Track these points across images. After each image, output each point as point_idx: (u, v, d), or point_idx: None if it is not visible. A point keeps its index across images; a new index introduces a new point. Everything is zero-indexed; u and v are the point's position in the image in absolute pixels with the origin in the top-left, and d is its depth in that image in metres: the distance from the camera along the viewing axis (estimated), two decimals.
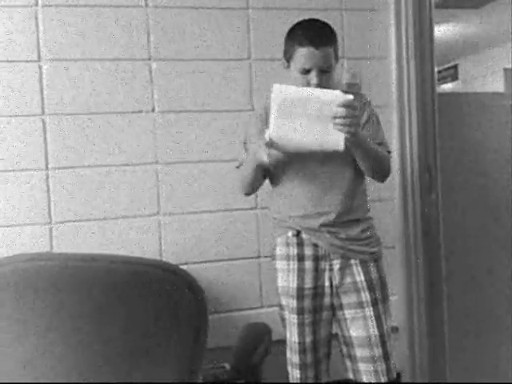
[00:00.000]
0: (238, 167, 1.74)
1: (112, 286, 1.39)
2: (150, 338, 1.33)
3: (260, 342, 1.86)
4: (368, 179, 1.70)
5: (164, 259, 2.01)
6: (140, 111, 2.01)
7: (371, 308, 1.60)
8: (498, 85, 5.94)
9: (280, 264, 1.68)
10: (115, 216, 1.99)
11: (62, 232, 1.95)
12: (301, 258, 1.63)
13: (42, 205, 1.94)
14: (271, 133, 1.48)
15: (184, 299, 1.53)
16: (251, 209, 2.11)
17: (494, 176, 2.58)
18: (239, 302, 2.10)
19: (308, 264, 1.62)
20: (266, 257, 2.06)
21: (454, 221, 2.47)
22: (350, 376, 1.66)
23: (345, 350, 1.66)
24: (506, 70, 5.90)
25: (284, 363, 1.69)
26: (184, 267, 1.96)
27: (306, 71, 1.55)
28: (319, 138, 1.47)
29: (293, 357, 1.65)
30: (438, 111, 2.28)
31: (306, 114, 1.46)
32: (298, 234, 1.64)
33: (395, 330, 2.14)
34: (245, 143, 1.74)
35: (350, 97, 1.45)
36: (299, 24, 1.60)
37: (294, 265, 1.64)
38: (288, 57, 1.60)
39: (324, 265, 1.62)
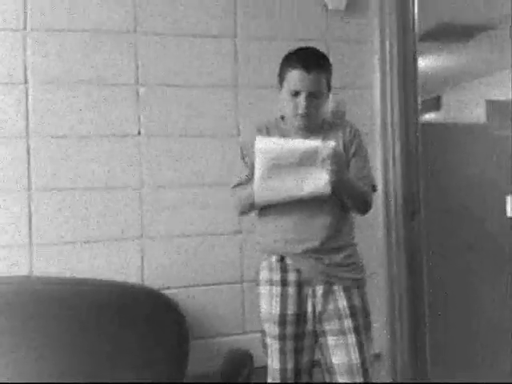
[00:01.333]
0: (234, 186, 1.72)
1: (94, 311, 1.38)
2: (131, 363, 1.31)
3: (242, 369, 1.84)
4: None
5: (146, 283, 1.99)
6: (126, 135, 2.02)
7: (353, 335, 1.59)
8: (479, 116, 6.07)
9: (263, 289, 1.67)
10: (98, 239, 1.98)
11: (43, 254, 1.93)
12: (284, 284, 1.63)
13: (23, 226, 1.92)
14: (257, 199, 1.59)
15: (165, 324, 1.53)
16: (235, 233, 2.11)
17: (476, 203, 2.62)
18: (222, 328, 2.08)
19: (291, 290, 1.62)
20: (249, 282, 2.06)
21: (437, 248, 2.50)
22: None
23: (327, 376, 1.64)
24: (487, 101, 6.04)
25: None
26: (167, 292, 1.96)
27: (296, 93, 1.59)
28: (306, 186, 1.55)
29: None
30: (422, 140, 2.32)
31: (290, 164, 1.54)
32: (282, 259, 1.64)
33: (378, 356, 2.13)
34: (243, 158, 1.71)
35: (332, 143, 1.51)
36: (296, 50, 1.66)
37: (277, 290, 1.63)
38: (281, 79, 1.66)
39: (307, 290, 1.62)
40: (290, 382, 1.62)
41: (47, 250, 1.93)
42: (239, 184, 1.70)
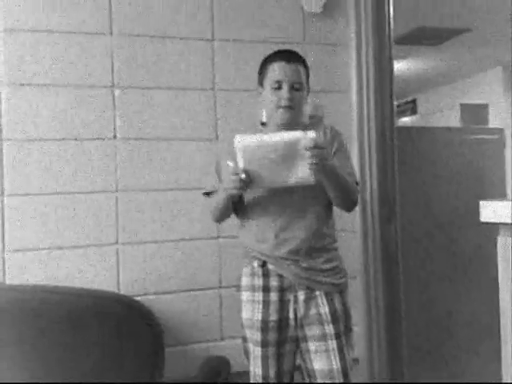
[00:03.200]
0: (206, 194, 1.71)
1: (65, 320, 1.35)
2: (105, 372, 1.28)
3: (218, 374, 1.83)
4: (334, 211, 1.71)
5: (121, 290, 1.95)
6: (101, 138, 1.98)
7: (334, 341, 1.58)
8: (454, 119, 6.17)
9: (245, 295, 1.65)
10: (72, 245, 1.94)
11: (16, 261, 1.88)
12: (266, 289, 1.61)
13: None
14: (241, 165, 1.48)
15: (139, 332, 1.50)
16: (213, 238, 2.09)
17: (450, 206, 2.66)
18: (199, 334, 2.06)
19: (273, 295, 1.61)
20: (227, 287, 2.04)
21: (413, 251, 2.52)
22: None
23: (308, 381, 1.64)
24: (462, 105, 6.15)
25: None
26: (143, 298, 1.93)
27: (278, 86, 1.59)
28: (289, 177, 1.50)
29: None
30: (397, 144, 2.33)
31: (271, 159, 1.49)
32: (263, 264, 1.63)
33: (356, 361, 2.14)
34: (217, 172, 1.70)
35: (313, 134, 1.47)
36: (273, 52, 1.67)
37: (259, 296, 1.62)
38: (262, 77, 1.65)
39: (289, 296, 1.61)
40: None
41: (20, 257, 1.88)
42: (213, 192, 1.68)
